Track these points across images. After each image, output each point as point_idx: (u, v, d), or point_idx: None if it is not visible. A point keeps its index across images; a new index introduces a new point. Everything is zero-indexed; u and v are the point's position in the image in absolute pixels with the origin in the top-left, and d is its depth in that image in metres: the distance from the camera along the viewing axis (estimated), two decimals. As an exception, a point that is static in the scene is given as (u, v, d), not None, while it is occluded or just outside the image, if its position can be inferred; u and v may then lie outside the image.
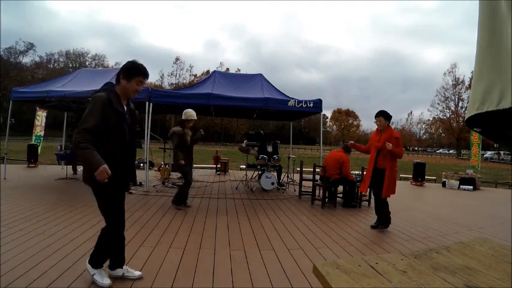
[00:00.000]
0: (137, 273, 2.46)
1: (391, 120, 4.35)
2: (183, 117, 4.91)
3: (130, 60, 2.33)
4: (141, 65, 2.34)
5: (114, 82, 2.32)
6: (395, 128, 4.78)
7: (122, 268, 2.45)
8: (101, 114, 2.10)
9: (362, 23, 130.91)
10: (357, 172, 6.09)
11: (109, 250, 2.37)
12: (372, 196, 5.90)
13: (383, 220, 4.34)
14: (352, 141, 4.84)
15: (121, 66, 2.42)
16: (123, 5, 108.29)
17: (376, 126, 4.39)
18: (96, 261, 2.33)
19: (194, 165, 5.07)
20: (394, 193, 4.23)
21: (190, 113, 4.94)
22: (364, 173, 4.84)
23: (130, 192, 5.96)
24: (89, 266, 2.34)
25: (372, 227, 4.39)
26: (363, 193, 5.96)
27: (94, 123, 2.07)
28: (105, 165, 2.02)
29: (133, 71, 2.27)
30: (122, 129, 2.22)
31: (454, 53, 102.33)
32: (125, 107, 2.31)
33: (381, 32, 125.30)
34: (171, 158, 8.81)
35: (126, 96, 2.33)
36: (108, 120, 2.13)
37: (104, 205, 2.25)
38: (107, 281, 2.29)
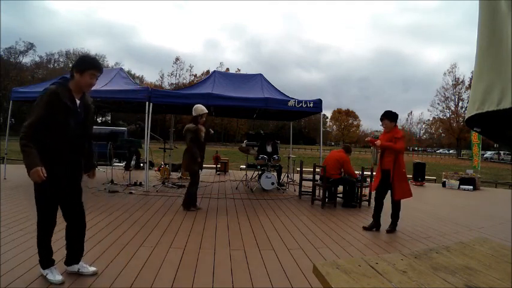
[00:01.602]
0: (92, 269, 2.47)
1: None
2: (193, 114, 4.77)
3: (83, 54, 2.36)
4: (94, 58, 2.40)
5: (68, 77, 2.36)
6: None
7: (78, 264, 2.46)
8: (45, 107, 2.14)
9: (362, 22, 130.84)
10: (356, 172, 6.09)
11: (43, 247, 2.33)
12: (373, 196, 5.96)
13: (393, 222, 4.29)
14: (368, 138, 4.82)
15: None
16: (123, 5, 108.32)
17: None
18: (41, 261, 2.34)
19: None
20: (409, 195, 4.15)
21: (200, 108, 4.78)
22: (374, 173, 4.85)
23: (131, 192, 5.96)
24: (40, 269, 2.34)
25: (365, 228, 4.27)
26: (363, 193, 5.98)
27: (37, 117, 2.11)
28: (39, 168, 2.03)
29: (86, 64, 2.30)
30: (67, 123, 2.23)
31: (454, 52, 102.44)
32: (78, 101, 2.33)
33: (381, 31, 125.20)
34: (171, 158, 8.83)
35: (80, 90, 2.34)
36: (53, 114, 2.16)
37: (37, 200, 2.26)
38: (59, 277, 2.29)
